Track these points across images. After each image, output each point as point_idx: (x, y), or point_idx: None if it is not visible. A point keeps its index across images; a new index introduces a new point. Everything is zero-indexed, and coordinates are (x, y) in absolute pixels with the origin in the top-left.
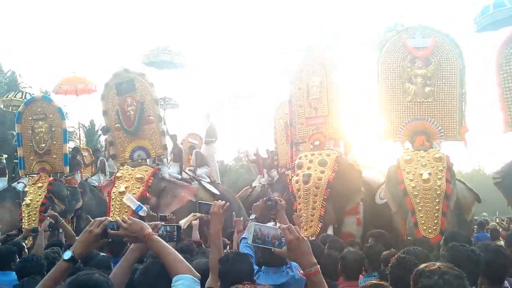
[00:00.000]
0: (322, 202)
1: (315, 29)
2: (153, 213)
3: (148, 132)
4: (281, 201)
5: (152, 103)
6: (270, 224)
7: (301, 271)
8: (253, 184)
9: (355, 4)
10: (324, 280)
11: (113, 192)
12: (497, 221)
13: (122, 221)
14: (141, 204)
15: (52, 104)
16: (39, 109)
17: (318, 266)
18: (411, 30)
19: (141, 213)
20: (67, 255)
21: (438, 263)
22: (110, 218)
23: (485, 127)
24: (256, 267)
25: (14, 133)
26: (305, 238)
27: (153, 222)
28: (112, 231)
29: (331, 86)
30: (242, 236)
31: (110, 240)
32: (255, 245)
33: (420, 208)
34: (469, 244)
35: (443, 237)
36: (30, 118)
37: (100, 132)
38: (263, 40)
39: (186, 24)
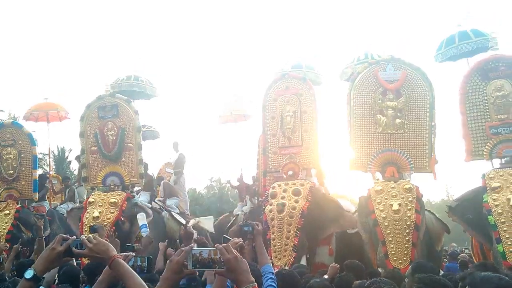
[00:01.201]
0: (296, 232)
1: (296, 49)
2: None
3: (125, 159)
4: (258, 225)
5: (134, 131)
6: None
7: None
8: (235, 212)
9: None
10: None
11: (86, 218)
12: (466, 252)
13: (87, 240)
14: (146, 225)
15: (22, 130)
16: (8, 135)
17: (256, 283)
18: (383, 63)
19: (143, 233)
20: (28, 273)
21: None
22: (75, 237)
23: (453, 157)
24: None
25: None
26: (242, 258)
27: (124, 253)
28: (76, 250)
29: (305, 116)
30: None
31: (73, 258)
32: (196, 270)
33: (390, 239)
34: (436, 274)
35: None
36: None
37: (75, 160)
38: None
39: (166, 38)
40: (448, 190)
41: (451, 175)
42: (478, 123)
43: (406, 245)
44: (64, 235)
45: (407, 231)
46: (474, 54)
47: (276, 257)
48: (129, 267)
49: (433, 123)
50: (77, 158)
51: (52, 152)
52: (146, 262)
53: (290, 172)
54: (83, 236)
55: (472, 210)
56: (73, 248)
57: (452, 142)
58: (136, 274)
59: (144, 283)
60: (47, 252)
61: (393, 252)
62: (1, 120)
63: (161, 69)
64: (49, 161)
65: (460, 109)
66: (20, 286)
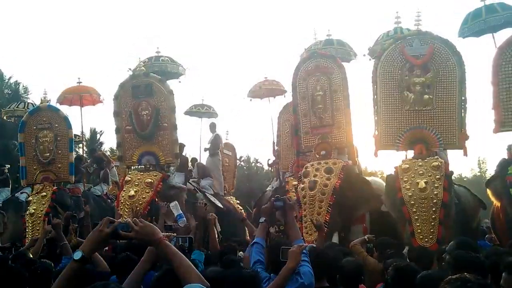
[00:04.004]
0: (327, 208)
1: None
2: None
3: (160, 138)
4: (289, 200)
5: (169, 111)
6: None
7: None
8: (267, 188)
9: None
10: None
11: (122, 196)
12: None
13: (133, 223)
14: (182, 214)
15: (58, 113)
16: (44, 119)
17: None
18: (409, 38)
19: (181, 223)
20: (77, 255)
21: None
22: (120, 219)
23: (485, 131)
24: (266, 274)
25: (17, 143)
26: None
27: (166, 233)
28: (122, 232)
29: (335, 95)
30: (254, 241)
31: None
32: None
33: (416, 217)
34: (475, 251)
35: (449, 244)
36: (34, 127)
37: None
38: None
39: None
40: (481, 164)
41: (484, 149)
42: (510, 94)
43: (432, 223)
44: (110, 218)
45: (434, 209)
46: (501, 29)
47: (307, 233)
48: (175, 249)
49: (463, 98)
50: (91, 150)
51: (84, 134)
52: (187, 242)
53: (323, 152)
54: (129, 220)
55: (501, 183)
56: (120, 231)
57: (483, 115)
58: (183, 256)
59: (191, 263)
60: (95, 234)
61: (419, 231)
62: (35, 104)
63: (184, 48)
64: (83, 144)
65: (492, 80)
66: (69, 267)
